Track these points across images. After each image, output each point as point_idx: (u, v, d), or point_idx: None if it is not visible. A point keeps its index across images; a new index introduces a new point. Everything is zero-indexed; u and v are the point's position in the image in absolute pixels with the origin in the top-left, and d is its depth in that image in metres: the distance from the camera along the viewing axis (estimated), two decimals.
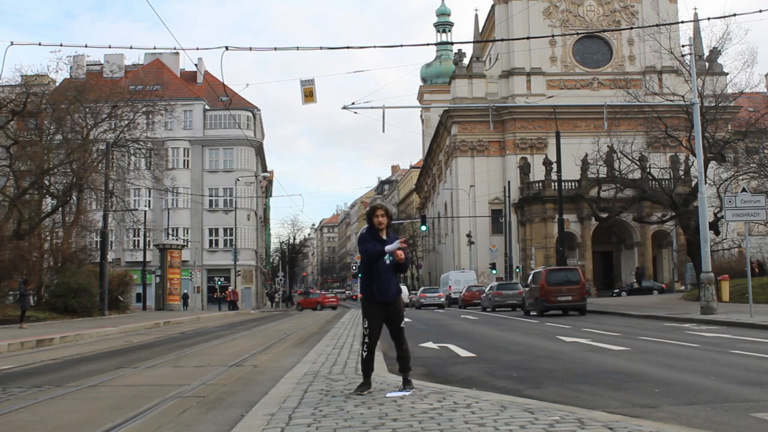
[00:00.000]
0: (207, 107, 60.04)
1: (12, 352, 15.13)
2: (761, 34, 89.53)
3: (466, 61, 66.45)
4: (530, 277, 29.30)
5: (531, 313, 27.48)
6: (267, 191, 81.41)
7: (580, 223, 53.26)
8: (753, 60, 38.72)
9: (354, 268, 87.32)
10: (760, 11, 17.94)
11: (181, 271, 50.03)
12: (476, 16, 67.51)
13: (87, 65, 54.99)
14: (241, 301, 57.31)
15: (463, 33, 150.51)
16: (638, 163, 36.55)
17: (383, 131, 26.98)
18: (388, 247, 6.52)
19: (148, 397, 7.76)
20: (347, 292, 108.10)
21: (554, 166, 39.42)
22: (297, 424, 5.28)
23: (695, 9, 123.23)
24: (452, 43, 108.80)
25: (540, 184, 55.49)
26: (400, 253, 6.52)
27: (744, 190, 22.40)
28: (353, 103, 25.32)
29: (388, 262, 6.62)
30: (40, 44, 27.31)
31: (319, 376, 8.14)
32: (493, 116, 55.24)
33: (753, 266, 35.04)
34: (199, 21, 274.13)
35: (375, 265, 6.62)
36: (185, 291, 51.79)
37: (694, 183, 31.99)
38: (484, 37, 67.26)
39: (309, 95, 21.55)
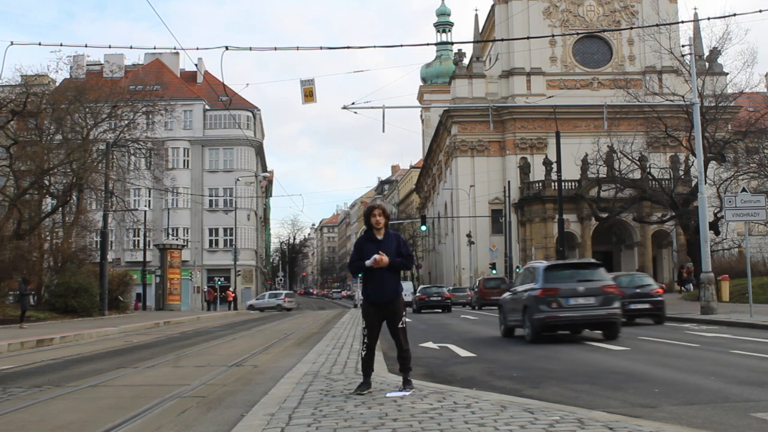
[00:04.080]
0: (207, 107, 59.99)
1: (12, 352, 15.13)
2: (761, 34, 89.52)
3: (466, 61, 66.38)
4: (476, 284, 36.41)
5: (474, 308, 38.63)
6: (267, 191, 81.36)
7: (580, 223, 53.18)
8: (753, 60, 39.02)
9: None
10: (760, 11, 17.91)
11: (181, 271, 50.00)
12: (476, 16, 67.42)
13: (87, 65, 54.93)
14: (241, 301, 57.31)
15: (463, 33, 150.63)
16: (638, 163, 36.54)
17: (383, 131, 26.99)
18: (367, 262, 6.69)
19: (148, 397, 7.76)
20: (346, 291, 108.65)
21: (554, 166, 39.41)
22: (297, 424, 5.28)
23: (695, 9, 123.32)
24: (452, 43, 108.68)
25: (540, 184, 55.40)
26: (379, 259, 6.62)
27: (744, 190, 22.39)
28: (353, 103, 25.27)
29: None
30: (40, 44, 27.35)
31: (319, 376, 8.14)
32: (493, 116, 55.19)
33: (682, 272, 35.30)
34: (199, 21, 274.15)
35: (368, 267, 6.70)
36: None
37: (694, 183, 31.97)
38: (484, 37, 67.18)
39: (309, 95, 21.52)
